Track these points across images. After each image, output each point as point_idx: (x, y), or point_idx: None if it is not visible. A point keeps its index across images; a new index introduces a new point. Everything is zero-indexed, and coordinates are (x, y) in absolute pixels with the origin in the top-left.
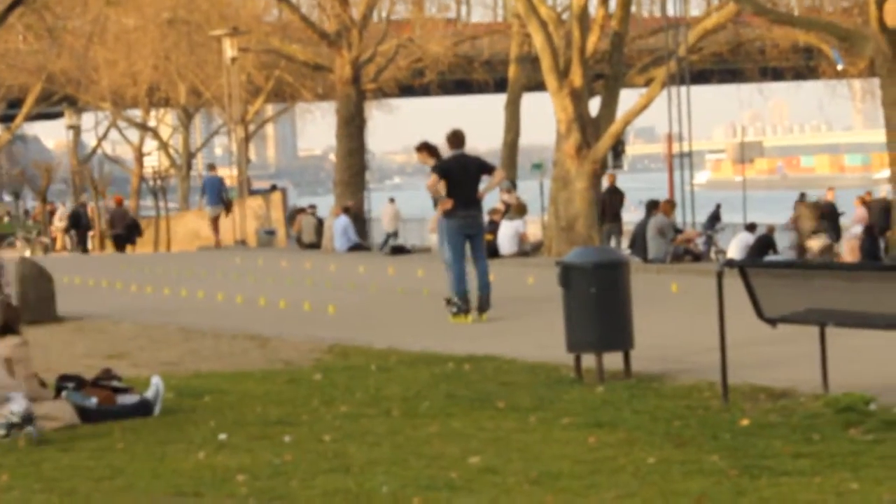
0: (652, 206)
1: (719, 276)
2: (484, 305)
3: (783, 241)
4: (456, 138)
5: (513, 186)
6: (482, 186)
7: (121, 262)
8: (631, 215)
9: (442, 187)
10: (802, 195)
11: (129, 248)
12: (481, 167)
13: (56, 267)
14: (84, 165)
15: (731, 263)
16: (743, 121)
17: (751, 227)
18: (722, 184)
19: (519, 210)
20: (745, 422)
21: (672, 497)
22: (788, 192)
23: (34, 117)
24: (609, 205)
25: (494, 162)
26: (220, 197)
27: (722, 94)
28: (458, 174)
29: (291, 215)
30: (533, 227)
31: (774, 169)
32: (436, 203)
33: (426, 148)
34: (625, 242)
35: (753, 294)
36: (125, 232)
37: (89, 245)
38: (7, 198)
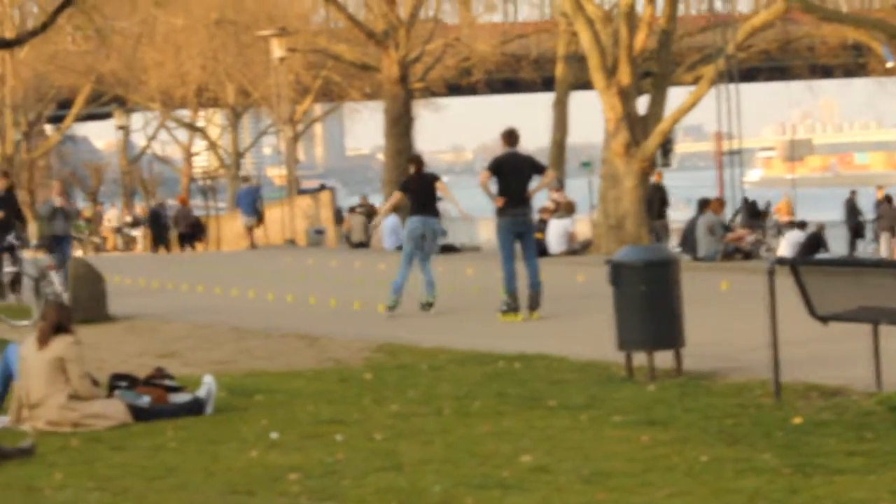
0: (702, 205)
1: (770, 274)
2: (534, 304)
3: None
4: (510, 136)
5: (560, 186)
6: (532, 185)
7: (172, 262)
8: (677, 213)
9: (493, 185)
10: (853, 193)
11: (197, 246)
12: (533, 166)
13: (107, 266)
14: (133, 166)
15: (782, 261)
16: (792, 118)
17: (801, 225)
18: (774, 182)
19: (568, 209)
20: (797, 420)
21: (725, 495)
22: (841, 190)
23: (84, 118)
24: (654, 202)
25: (543, 160)
26: (253, 208)
27: (771, 91)
28: (510, 172)
29: (349, 210)
30: (581, 226)
31: (828, 166)
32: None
33: (412, 161)
34: (672, 241)
35: (805, 292)
36: (189, 231)
37: (149, 245)
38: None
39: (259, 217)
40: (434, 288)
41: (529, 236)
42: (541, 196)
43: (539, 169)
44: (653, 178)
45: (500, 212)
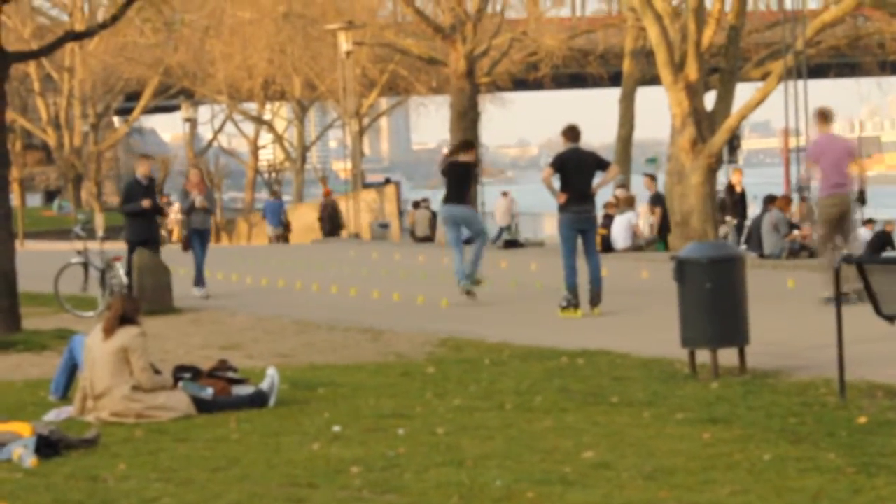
0: (767, 202)
1: (836, 272)
2: (595, 300)
3: None
4: (572, 132)
5: (624, 183)
6: (596, 182)
7: (235, 254)
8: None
9: (556, 181)
10: None
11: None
12: (597, 162)
13: (172, 258)
14: (200, 158)
15: (848, 260)
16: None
17: (868, 223)
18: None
19: (628, 202)
20: (862, 419)
21: (787, 494)
22: None
23: (151, 110)
24: (730, 201)
25: (609, 157)
26: (279, 220)
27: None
28: (573, 168)
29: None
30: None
31: None
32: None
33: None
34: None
35: (871, 290)
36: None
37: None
38: None
39: (286, 228)
40: (464, 278)
41: (592, 233)
42: (604, 192)
43: (603, 165)
44: (730, 178)
45: (563, 208)
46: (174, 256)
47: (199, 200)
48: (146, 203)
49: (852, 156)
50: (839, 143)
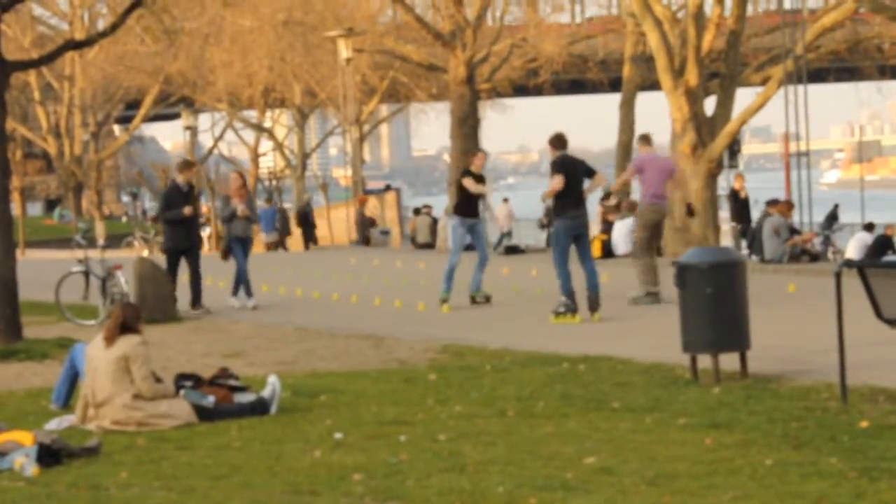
0: (768, 206)
1: (837, 276)
2: (594, 305)
3: None
4: (560, 140)
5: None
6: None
7: None
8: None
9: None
10: None
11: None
12: (586, 169)
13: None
14: (201, 166)
15: (849, 264)
16: (861, 120)
17: (869, 227)
18: (853, 183)
19: (629, 207)
20: (864, 423)
21: (790, 499)
22: None
23: (152, 118)
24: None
25: (610, 162)
26: (273, 226)
27: (839, 92)
28: (568, 176)
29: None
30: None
31: None
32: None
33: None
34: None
35: (872, 294)
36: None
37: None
38: (125, 198)
39: (280, 233)
40: (473, 286)
41: (585, 238)
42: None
43: (590, 172)
44: (733, 184)
45: (559, 214)
46: (215, 265)
47: (240, 209)
48: (187, 211)
49: (671, 174)
50: (661, 161)
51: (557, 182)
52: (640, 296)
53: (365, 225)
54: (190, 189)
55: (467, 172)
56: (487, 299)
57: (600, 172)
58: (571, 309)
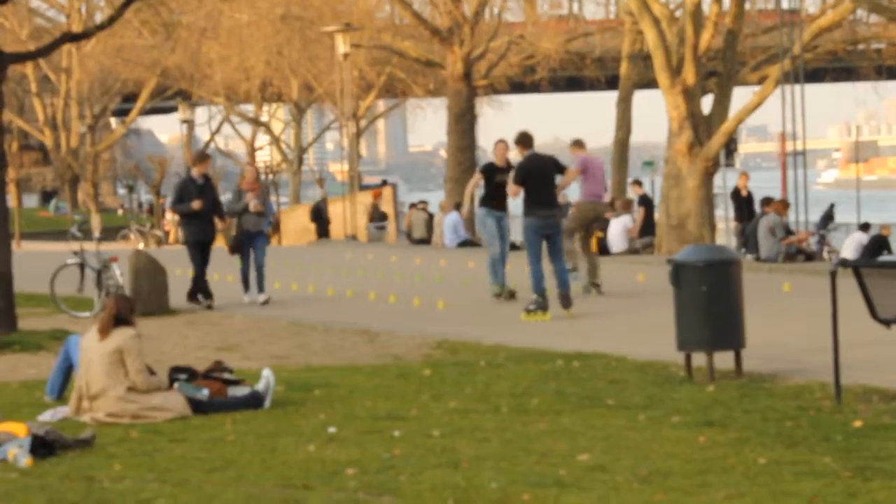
0: (763, 205)
1: (833, 275)
2: (567, 303)
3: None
4: (526, 139)
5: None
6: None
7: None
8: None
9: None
10: None
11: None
12: (556, 166)
13: (169, 259)
14: None
15: (844, 263)
16: (857, 120)
17: (864, 227)
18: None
19: (625, 206)
20: (857, 423)
21: (783, 498)
22: None
23: (148, 111)
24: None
25: (606, 160)
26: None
27: (836, 92)
28: (537, 175)
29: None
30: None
31: None
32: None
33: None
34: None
35: (867, 294)
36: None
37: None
38: (121, 191)
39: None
40: (492, 280)
41: (557, 237)
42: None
43: (561, 168)
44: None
45: (526, 213)
46: (173, 257)
47: (253, 204)
48: (196, 205)
49: (603, 175)
50: (598, 162)
51: (512, 191)
52: (586, 283)
53: (379, 219)
54: (206, 182)
55: (491, 168)
56: (512, 295)
57: (571, 168)
58: (542, 307)
